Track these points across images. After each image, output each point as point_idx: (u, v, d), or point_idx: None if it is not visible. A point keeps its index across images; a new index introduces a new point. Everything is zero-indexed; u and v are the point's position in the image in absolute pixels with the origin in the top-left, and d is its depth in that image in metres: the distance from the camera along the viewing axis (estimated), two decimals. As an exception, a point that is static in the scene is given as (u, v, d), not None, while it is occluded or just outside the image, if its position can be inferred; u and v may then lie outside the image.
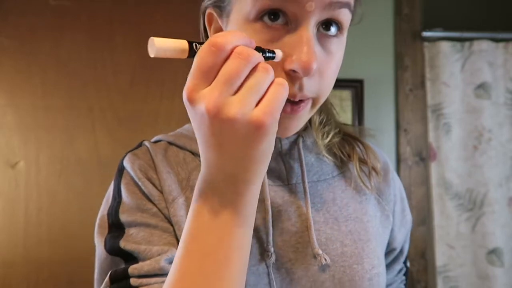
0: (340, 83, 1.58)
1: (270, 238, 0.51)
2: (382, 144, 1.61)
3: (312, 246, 0.52)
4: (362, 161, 0.59)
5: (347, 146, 0.60)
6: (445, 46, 1.61)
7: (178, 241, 0.51)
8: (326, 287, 0.51)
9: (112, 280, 0.49)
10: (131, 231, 0.51)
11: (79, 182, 1.43)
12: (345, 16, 0.46)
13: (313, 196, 0.55)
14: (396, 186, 0.64)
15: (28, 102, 1.44)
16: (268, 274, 0.50)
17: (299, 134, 0.57)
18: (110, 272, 0.50)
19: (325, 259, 0.51)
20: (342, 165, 0.60)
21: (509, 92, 1.62)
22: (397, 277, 0.66)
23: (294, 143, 0.56)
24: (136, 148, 0.59)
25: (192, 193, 0.49)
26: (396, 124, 1.62)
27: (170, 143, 0.60)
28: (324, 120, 0.58)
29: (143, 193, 0.53)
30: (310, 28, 0.44)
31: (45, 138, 1.43)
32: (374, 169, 0.59)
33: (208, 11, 0.53)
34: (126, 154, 0.58)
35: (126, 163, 0.56)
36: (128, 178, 0.55)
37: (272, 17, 0.44)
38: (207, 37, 0.57)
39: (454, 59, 1.62)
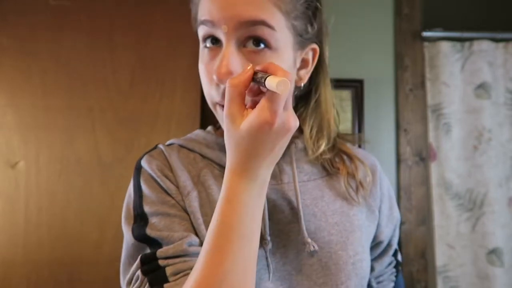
0: (340, 83, 1.58)
1: (267, 228, 0.60)
2: (382, 144, 1.61)
3: (302, 235, 0.60)
4: (350, 175, 0.67)
5: (338, 160, 0.68)
6: (445, 46, 1.61)
7: (194, 228, 0.59)
8: (314, 269, 0.60)
9: (143, 262, 0.57)
10: (153, 220, 0.59)
11: (79, 182, 1.43)
12: (263, 31, 0.55)
13: (304, 194, 0.64)
14: (384, 186, 0.72)
15: (28, 102, 1.43)
16: (266, 258, 0.59)
17: (292, 141, 0.66)
18: (140, 256, 0.58)
19: (313, 246, 0.60)
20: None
21: (509, 92, 1.63)
22: (387, 269, 0.73)
23: (287, 148, 0.64)
24: (152, 150, 0.68)
25: (203, 188, 0.62)
26: (396, 124, 1.62)
27: (181, 146, 0.68)
28: (315, 132, 0.66)
29: (162, 188, 0.62)
30: (229, 45, 0.55)
31: (45, 138, 1.43)
32: (361, 183, 0.67)
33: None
34: (143, 155, 0.67)
35: (144, 163, 0.65)
36: (147, 175, 0.63)
37: (211, 42, 0.57)
38: None
39: (454, 59, 1.62)
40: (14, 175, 1.41)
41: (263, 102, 0.46)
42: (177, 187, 0.62)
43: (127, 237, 0.61)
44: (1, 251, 1.39)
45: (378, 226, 0.69)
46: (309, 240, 0.60)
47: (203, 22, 0.57)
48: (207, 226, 0.57)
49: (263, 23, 0.54)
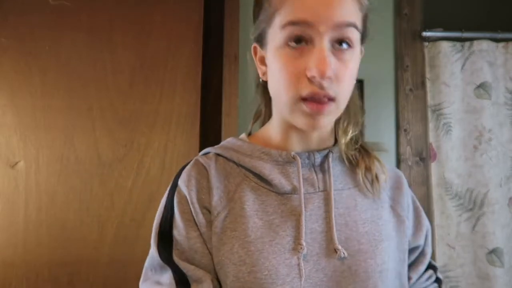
0: (340, 83, 1.58)
1: (303, 234, 0.62)
2: (382, 144, 1.61)
3: (333, 243, 0.62)
4: (367, 169, 0.70)
5: (358, 155, 0.71)
6: (445, 46, 1.61)
7: (212, 258, 0.63)
8: (345, 276, 0.61)
9: None
10: (178, 247, 0.63)
11: (79, 182, 1.43)
12: (352, 33, 0.60)
13: (338, 202, 0.66)
14: (410, 199, 0.75)
15: (28, 102, 1.43)
16: (299, 265, 0.60)
17: (329, 150, 0.69)
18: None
19: (344, 253, 0.62)
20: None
21: (509, 92, 1.62)
22: (427, 282, 0.74)
23: (325, 157, 0.68)
24: (189, 163, 0.69)
25: (238, 203, 0.64)
26: (396, 124, 1.62)
27: (218, 154, 0.70)
28: (346, 125, 0.70)
29: (192, 216, 0.63)
30: (324, 44, 0.58)
31: (45, 138, 1.43)
32: (377, 177, 0.70)
33: (253, 45, 0.69)
34: (182, 169, 0.68)
35: (181, 182, 0.66)
36: (181, 196, 0.65)
37: (295, 42, 0.59)
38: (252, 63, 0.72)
39: (454, 59, 1.62)
40: (13, 175, 1.41)
41: None
42: (209, 211, 0.64)
43: (153, 253, 0.64)
44: (0, 251, 1.39)
45: (408, 234, 0.72)
46: (340, 247, 0.62)
47: (294, 23, 0.59)
48: (236, 241, 0.61)
49: (354, 25, 0.61)
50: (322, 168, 0.68)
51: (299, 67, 0.59)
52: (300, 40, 0.59)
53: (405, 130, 1.61)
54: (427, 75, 1.62)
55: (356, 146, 0.71)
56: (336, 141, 0.71)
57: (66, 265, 1.40)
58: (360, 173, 0.69)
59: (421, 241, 0.73)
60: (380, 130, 1.61)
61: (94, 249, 1.41)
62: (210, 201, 0.64)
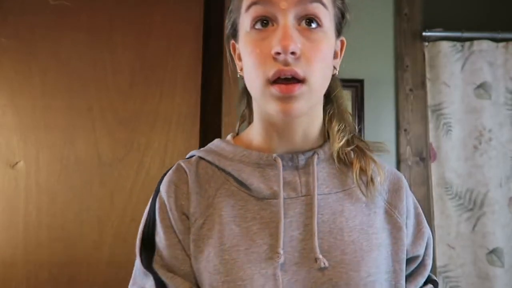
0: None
1: (281, 242, 0.58)
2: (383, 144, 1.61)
3: (314, 252, 0.58)
4: (362, 170, 0.65)
5: (353, 154, 0.67)
6: (445, 46, 1.61)
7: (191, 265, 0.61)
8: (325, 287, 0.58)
9: None
10: (158, 256, 0.62)
11: (79, 182, 1.43)
12: (318, 10, 0.58)
13: (323, 208, 0.62)
14: (410, 203, 0.69)
15: (28, 102, 1.43)
16: (275, 275, 0.57)
17: (314, 151, 0.65)
18: None
19: (324, 263, 0.57)
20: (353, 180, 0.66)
21: (509, 92, 1.62)
22: None
23: (310, 158, 0.64)
24: (171, 168, 0.66)
25: (217, 209, 0.61)
26: (396, 124, 1.62)
27: (201, 157, 0.67)
28: (342, 128, 0.66)
29: (170, 222, 0.62)
30: (287, 21, 0.56)
31: (45, 138, 1.43)
32: (372, 179, 0.65)
33: (231, 42, 0.67)
34: (164, 175, 0.66)
35: (162, 188, 0.64)
36: (161, 202, 0.63)
37: (262, 23, 0.58)
38: (233, 61, 0.69)
39: (454, 59, 1.61)
40: (13, 175, 1.41)
41: None
42: (188, 217, 0.62)
43: (137, 261, 0.63)
44: (0, 251, 1.39)
45: (406, 242, 0.66)
46: (321, 256, 0.58)
47: (256, 2, 0.57)
48: (212, 249, 0.59)
49: (320, 1, 0.58)
50: (307, 171, 0.64)
51: (266, 49, 0.56)
52: (266, 22, 0.58)
53: (405, 130, 1.61)
54: (427, 75, 1.62)
55: (351, 147, 0.66)
56: (324, 141, 0.68)
57: (66, 265, 1.40)
58: (354, 174, 0.64)
59: (420, 251, 0.68)
60: (380, 130, 1.61)
61: (94, 249, 1.41)
62: (188, 208, 0.62)
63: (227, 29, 0.66)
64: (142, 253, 0.62)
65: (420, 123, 1.61)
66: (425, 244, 0.68)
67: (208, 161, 0.66)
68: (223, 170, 0.64)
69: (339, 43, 0.67)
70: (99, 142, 1.45)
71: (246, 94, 0.71)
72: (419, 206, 0.72)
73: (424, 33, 1.61)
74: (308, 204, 0.61)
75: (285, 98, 0.56)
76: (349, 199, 0.64)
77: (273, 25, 0.57)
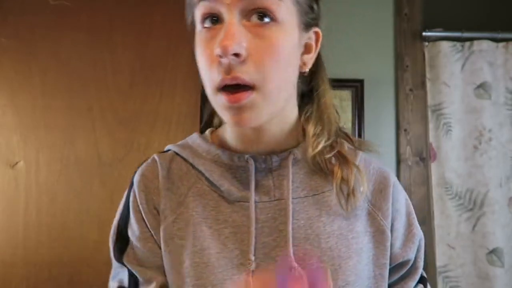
0: (340, 83, 1.58)
1: (252, 248, 0.55)
2: (382, 144, 1.61)
3: (289, 260, 0.55)
4: (344, 180, 0.59)
5: (334, 162, 0.61)
6: (445, 46, 1.61)
7: (162, 261, 0.59)
8: None
9: None
10: (130, 250, 0.60)
11: (79, 182, 1.43)
12: (270, 1, 0.51)
13: (298, 212, 0.58)
14: (399, 201, 0.64)
15: (28, 102, 1.43)
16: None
17: (290, 151, 0.60)
18: (118, 286, 0.61)
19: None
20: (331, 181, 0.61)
21: (509, 92, 1.62)
22: None
23: (285, 160, 0.59)
24: (146, 161, 0.64)
25: (187, 208, 0.58)
26: (396, 124, 1.62)
27: (176, 153, 0.64)
28: (318, 132, 0.60)
29: (142, 216, 0.60)
30: (232, 18, 0.50)
31: (45, 138, 1.43)
32: (353, 191, 0.59)
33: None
34: (138, 168, 0.64)
35: (135, 181, 0.62)
36: (134, 196, 0.61)
37: (211, 21, 0.53)
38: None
39: (454, 59, 1.62)
40: (14, 175, 1.41)
41: None
42: (159, 212, 0.59)
43: (111, 253, 0.63)
44: (0, 251, 1.39)
45: (392, 246, 0.62)
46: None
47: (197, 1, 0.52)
48: (184, 250, 0.56)
49: None
50: (281, 172, 0.59)
51: (213, 51, 0.51)
52: (216, 19, 0.52)
53: (405, 130, 1.61)
54: (427, 75, 1.62)
55: (331, 154, 0.60)
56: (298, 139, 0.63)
57: (66, 265, 1.40)
58: (335, 185, 0.59)
59: (411, 255, 0.64)
60: (380, 130, 1.61)
61: (94, 249, 1.41)
62: (159, 203, 0.59)
63: (188, 24, 0.59)
64: (115, 246, 0.62)
65: (420, 123, 1.61)
66: (416, 248, 0.65)
67: (183, 158, 0.62)
68: (197, 169, 0.61)
69: (313, 35, 0.59)
70: (99, 142, 1.45)
71: None
72: (411, 205, 0.67)
73: (424, 33, 1.61)
74: (283, 209, 0.57)
75: (234, 108, 0.51)
76: (328, 201, 0.59)
77: (221, 22, 0.52)
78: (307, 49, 0.59)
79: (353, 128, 1.59)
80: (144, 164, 0.64)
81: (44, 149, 1.43)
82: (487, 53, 1.61)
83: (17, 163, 1.42)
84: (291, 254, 0.55)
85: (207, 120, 0.69)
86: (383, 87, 1.63)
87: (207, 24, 0.53)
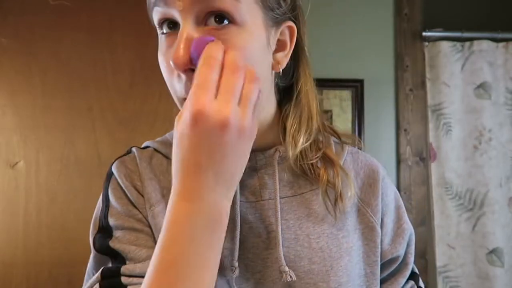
0: (340, 83, 1.58)
1: (236, 254, 0.53)
2: (382, 144, 1.61)
3: (279, 263, 0.53)
4: (330, 184, 0.57)
5: (320, 165, 0.58)
6: (445, 46, 1.61)
7: None
8: None
9: (104, 276, 0.52)
10: (118, 234, 0.54)
11: (79, 182, 1.43)
12: (225, 3, 0.46)
13: (287, 212, 0.56)
14: (388, 196, 0.62)
15: (28, 102, 1.43)
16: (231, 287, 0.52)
17: (276, 148, 0.57)
18: (102, 268, 0.53)
19: (291, 276, 0.52)
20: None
21: (509, 92, 1.62)
22: None
23: (270, 158, 0.57)
24: (125, 154, 0.62)
25: None
26: (396, 124, 1.62)
27: (156, 150, 0.61)
28: (296, 128, 0.57)
29: (129, 199, 0.56)
30: (186, 25, 0.47)
31: (45, 138, 1.43)
32: (341, 196, 0.57)
33: None
34: (115, 160, 0.61)
35: (114, 169, 0.59)
36: (115, 183, 0.57)
37: (168, 26, 0.50)
38: None
39: (454, 59, 1.61)
40: (14, 175, 1.41)
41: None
42: (144, 199, 0.56)
43: (91, 247, 0.58)
44: (0, 251, 1.39)
45: (381, 242, 0.60)
46: (287, 269, 0.52)
47: (156, 3, 0.48)
48: None
49: None
50: (267, 171, 0.57)
51: (170, 59, 0.48)
52: (172, 25, 0.49)
53: (405, 130, 1.61)
54: (427, 75, 1.62)
55: (316, 157, 0.57)
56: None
57: (66, 265, 1.40)
58: (321, 192, 0.57)
59: (401, 251, 0.61)
60: (380, 130, 1.61)
61: (94, 249, 1.42)
62: (143, 190, 0.56)
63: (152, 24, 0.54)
64: (96, 237, 0.57)
65: (420, 123, 1.61)
66: (406, 243, 0.62)
67: (163, 154, 0.60)
68: None
69: (286, 30, 0.54)
70: (99, 142, 1.45)
71: None
72: (400, 199, 0.64)
73: (424, 33, 1.61)
74: (271, 209, 0.55)
75: None
76: (317, 200, 0.57)
77: (178, 28, 0.48)
78: (280, 46, 0.54)
79: (353, 128, 1.59)
80: (122, 156, 0.61)
81: (44, 149, 1.43)
82: (487, 53, 1.61)
83: (17, 163, 1.42)
84: (282, 258, 0.53)
85: None
86: (383, 87, 1.63)
87: (165, 29, 0.50)
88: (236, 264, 0.52)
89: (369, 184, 0.61)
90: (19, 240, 1.39)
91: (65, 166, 1.43)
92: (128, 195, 0.56)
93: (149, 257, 0.48)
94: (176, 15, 0.48)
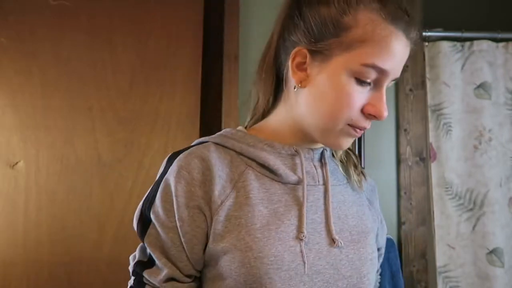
0: (340, 83, 1.57)
1: (304, 224, 0.66)
2: (382, 144, 1.61)
3: (331, 233, 0.68)
4: (355, 166, 0.79)
5: (347, 155, 0.80)
6: (445, 46, 1.61)
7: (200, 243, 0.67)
8: (343, 264, 0.67)
9: (136, 264, 0.69)
10: (152, 231, 0.67)
11: (78, 182, 1.43)
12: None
13: (333, 196, 0.72)
14: (378, 199, 0.84)
15: (28, 102, 1.43)
16: (301, 252, 0.64)
17: (323, 148, 0.74)
18: (137, 260, 0.69)
19: (341, 243, 0.68)
20: (348, 176, 0.79)
21: (509, 92, 1.62)
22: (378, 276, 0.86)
23: (321, 154, 0.74)
24: (184, 153, 0.68)
25: (242, 193, 0.66)
26: (396, 124, 1.62)
27: (217, 144, 0.71)
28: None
29: (173, 207, 0.65)
30: (384, 90, 0.65)
31: (45, 138, 1.43)
32: (362, 173, 0.80)
33: (300, 48, 0.66)
34: (173, 157, 0.70)
35: (170, 172, 0.67)
36: (166, 185, 0.66)
37: (364, 82, 0.64)
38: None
39: (454, 59, 1.62)
40: (13, 175, 1.41)
41: None
42: (200, 204, 0.65)
43: (137, 231, 0.70)
44: (0, 251, 1.39)
45: (376, 235, 0.80)
46: (337, 237, 0.68)
47: (376, 68, 0.62)
48: (242, 229, 0.63)
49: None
50: (320, 163, 0.74)
51: (360, 102, 0.64)
52: (368, 82, 0.64)
53: (405, 130, 1.61)
54: (427, 75, 1.62)
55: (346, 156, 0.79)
56: None
57: (66, 264, 1.40)
58: (351, 169, 0.77)
59: (382, 242, 0.83)
60: (380, 130, 1.61)
61: (94, 249, 1.41)
62: (207, 192, 0.65)
63: (306, 38, 0.65)
64: (138, 224, 0.68)
65: (420, 123, 1.61)
66: (385, 237, 0.85)
67: (226, 147, 0.70)
68: (244, 155, 0.70)
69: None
70: (99, 142, 1.45)
71: (269, 92, 0.73)
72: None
73: (424, 33, 1.61)
74: (324, 192, 0.71)
75: (351, 138, 0.69)
76: (347, 191, 0.76)
77: (370, 84, 0.64)
78: None
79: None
80: (182, 155, 0.68)
81: (44, 149, 1.43)
82: (487, 53, 1.61)
83: (17, 163, 1.42)
84: (333, 229, 0.68)
85: (252, 115, 0.78)
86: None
87: (365, 80, 0.63)
88: (305, 231, 0.66)
89: (372, 190, 0.82)
90: (19, 239, 1.39)
91: (65, 166, 1.43)
92: (174, 204, 0.65)
93: (165, 267, 0.65)
94: (383, 81, 0.64)
